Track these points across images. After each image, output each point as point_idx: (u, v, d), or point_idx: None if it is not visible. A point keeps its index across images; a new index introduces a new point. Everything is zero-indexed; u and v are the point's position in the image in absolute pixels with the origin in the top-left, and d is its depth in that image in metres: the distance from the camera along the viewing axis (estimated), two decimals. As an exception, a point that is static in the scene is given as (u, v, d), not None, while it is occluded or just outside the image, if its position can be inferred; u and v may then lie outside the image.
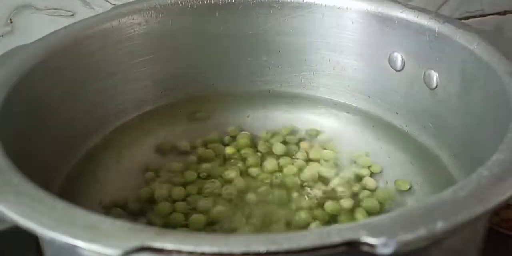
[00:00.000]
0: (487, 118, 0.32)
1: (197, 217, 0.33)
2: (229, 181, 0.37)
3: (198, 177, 0.37)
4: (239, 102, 0.45)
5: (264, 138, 0.41)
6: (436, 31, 0.37)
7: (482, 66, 0.33)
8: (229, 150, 0.40)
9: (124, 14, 0.40)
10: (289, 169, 0.38)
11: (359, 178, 0.37)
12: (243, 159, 0.39)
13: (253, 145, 0.40)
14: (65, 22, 0.39)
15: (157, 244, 0.19)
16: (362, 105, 0.44)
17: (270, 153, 0.40)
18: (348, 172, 0.37)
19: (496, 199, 0.22)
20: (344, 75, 0.44)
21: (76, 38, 0.37)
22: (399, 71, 0.41)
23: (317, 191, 0.36)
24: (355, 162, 0.39)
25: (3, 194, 0.23)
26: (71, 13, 0.48)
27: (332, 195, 0.35)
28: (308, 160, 0.39)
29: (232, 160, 0.39)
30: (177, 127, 0.42)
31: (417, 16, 0.38)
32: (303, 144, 0.40)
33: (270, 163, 0.38)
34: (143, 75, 0.43)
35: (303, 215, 0.33)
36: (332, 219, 0.34)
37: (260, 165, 0.38)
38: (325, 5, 0.42)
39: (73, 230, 0.20)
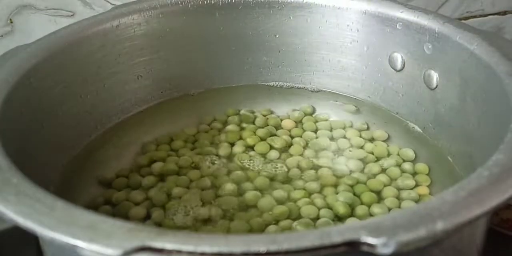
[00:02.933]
0: (487, 118, 0.32)
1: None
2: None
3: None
4: (240, 102, 0.45)
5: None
6: (436, 31, 0.37)
7: (482, 66, 0.33)
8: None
9: (124, 14, 0.40)
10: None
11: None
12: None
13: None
14: (65, 22, 0.39)
15: (157, 244, 0.19)
16: (362, 105, 0.44)
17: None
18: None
19: (496, 199, 0.22)
20: (344, 75, 0.44)
21: (76, 38, 0.37)
22: (399, 71, 0.41)
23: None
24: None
25: (3, 194, 0.23)
26: (71, 13, 0.48)
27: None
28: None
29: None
30: (176, 126, 0.42)
31: (417, 16, 0.38)
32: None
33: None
34: (143, 75, 0.43)
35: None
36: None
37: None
38: (325, 5, 0.42)
39: (73, 230, 0.20)
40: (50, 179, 0.35)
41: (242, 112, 0.44)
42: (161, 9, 0.41)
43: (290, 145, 0.40)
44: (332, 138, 0.41)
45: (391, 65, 0.41)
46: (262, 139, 0.40)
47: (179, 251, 0.19)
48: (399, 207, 0.34)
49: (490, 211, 0.21)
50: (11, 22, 0.48)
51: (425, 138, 0.40)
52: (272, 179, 0.37)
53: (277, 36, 0.44)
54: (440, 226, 0.20)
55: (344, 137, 0.41)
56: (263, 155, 0.39)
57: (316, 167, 0.38)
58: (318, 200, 0.34)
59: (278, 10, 0.43)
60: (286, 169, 0.37)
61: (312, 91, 0.46)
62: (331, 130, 0.41)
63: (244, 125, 0.42)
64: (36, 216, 0.21)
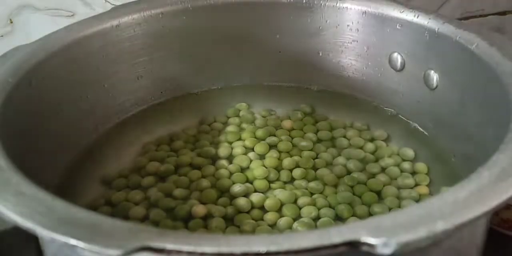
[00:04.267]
0: (487, 118, 0.32)
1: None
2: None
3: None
4: (240, 102, 0.45)
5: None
6: (436, 31, 0.37)
7: (482, 66, 0.33)
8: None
9: (124, 14, 0.40)
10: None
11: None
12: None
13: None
14: (65, 22, 0.39)
15: (157, 244, 0.19)
16: (362, 105, 0.44)
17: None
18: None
19: (496, 199, 0.22)
20: (344, 75, 0.44)
21: (76, 38, 0.37)
22: (399, 71, 0.41)
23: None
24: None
25: (3, 194, 0.23)
26: (71, 13, 0.48)
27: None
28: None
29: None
30: (177, 126, 0.42)
31: (417, 16, 0.38)
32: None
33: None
34: (143, 75, 0.43)
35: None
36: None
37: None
38: (325, 5, 0.42)
39: (73, 230, 0.20)
40: (50, 179, 0.35)
41: (242, 112, 0.44)
42: (161, 9, 0.41)
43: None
44: (332, 138, 0.41)
45: (391, 65, 0.41)
46: (262, 140, 0.40)
47: (179, 251, 0.19)
48: (399, 206, 0.34)
49: (490, 211, 0.21)
50: (11, 22, 0.48)
51: (425, 137, 0.40)
52: (273, 180, 0.37)
53: (277, 36, 0.44)
54: (440, 226, 0.20)
55: (344, 137, 0.41)
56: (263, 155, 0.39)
57: (316, 167, 0.38)
58: (319, 200, 0.34)
59: (278, 10, 0.43)
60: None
61: (312, 91, 0.46)
62: (331, 130, 0.41)
63: (244, 125, 0.42)
64: (36, 216, 0.21)
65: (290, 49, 0.45)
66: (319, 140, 0.41)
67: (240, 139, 0.41)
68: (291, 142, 0.40)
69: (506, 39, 0.34)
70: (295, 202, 0.35)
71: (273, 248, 0.19)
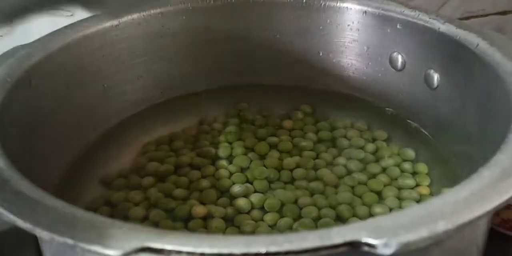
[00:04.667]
0: (487, 118, 0.32)
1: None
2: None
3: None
4: (240, 102, 0.45)
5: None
6: (437, 31, 0.37)
7: (482, 66, 0.33)
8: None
9: (124, 14, 0.40)
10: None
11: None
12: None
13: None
14: (65, 22, 0.39)
15: (157, 245, 0.19)
16: (362, 105, 0.44)
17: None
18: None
19: (497, 199, 0.21)
20: (345, 75, 0.44)
21: (76, 38, 0.37)
22: (399, 71, 0.41)
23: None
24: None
25: (3, 194, 0.23)
26: (71, 13, 0.48)
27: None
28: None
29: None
30: (176, 126, 0.42)
31: (418, 16, 0.38)
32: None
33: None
34: (143, 75, 0.43)
35: None
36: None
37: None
38: (325, 5, 0.42)
39: (73, 230, 0.20)
40: (50, 179, 0.35)
41: (242, 112, 0.43)
42: (161, 9, 0.41)
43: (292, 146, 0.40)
44: (332, 138, 0.41)
45: (391, 65, 0.41)
46: (262, 140, 0.40)
47: (178, 252, 0.19)
48: (400, 206, 0.34)
49: (491, 211, 0.21)
50: (11, 22, 0.48)
51: (425, 138, 0.40)
52: (273, 180, 0.37)
53: (277, 36, 0.44)
54: (441, 226, 0.20)
55: (344, 137, 0.41)
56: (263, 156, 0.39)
57: (316, 167, 0.38)
58: (320, 200, 0.34)
59: (278, 10, 0.43)
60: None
61: (312, 91, 0.46)
62: (331, 130, 0.41)
63: (244, 125, 0.42)
64: (35, 216, 0.21)
65: (290, 49, 0.45)
66: (320, 140, 0.41)
67: (240, 139, 0.41)
68: (291, 142, 0.40)
69: (507, 39, 0.34)
70: (295, 202, 0.35)
71: (273, 248, 0.19)
